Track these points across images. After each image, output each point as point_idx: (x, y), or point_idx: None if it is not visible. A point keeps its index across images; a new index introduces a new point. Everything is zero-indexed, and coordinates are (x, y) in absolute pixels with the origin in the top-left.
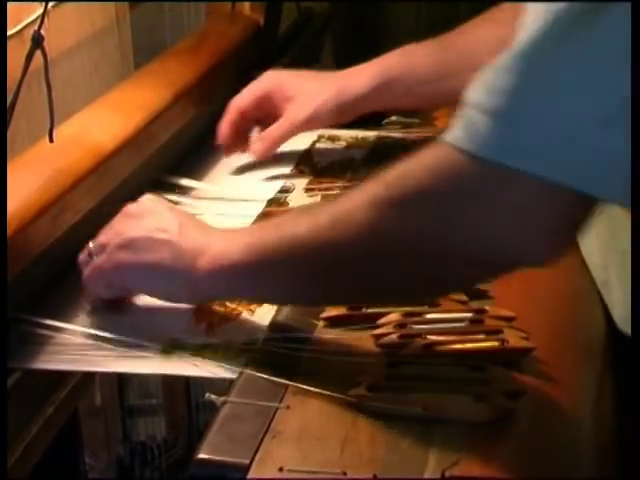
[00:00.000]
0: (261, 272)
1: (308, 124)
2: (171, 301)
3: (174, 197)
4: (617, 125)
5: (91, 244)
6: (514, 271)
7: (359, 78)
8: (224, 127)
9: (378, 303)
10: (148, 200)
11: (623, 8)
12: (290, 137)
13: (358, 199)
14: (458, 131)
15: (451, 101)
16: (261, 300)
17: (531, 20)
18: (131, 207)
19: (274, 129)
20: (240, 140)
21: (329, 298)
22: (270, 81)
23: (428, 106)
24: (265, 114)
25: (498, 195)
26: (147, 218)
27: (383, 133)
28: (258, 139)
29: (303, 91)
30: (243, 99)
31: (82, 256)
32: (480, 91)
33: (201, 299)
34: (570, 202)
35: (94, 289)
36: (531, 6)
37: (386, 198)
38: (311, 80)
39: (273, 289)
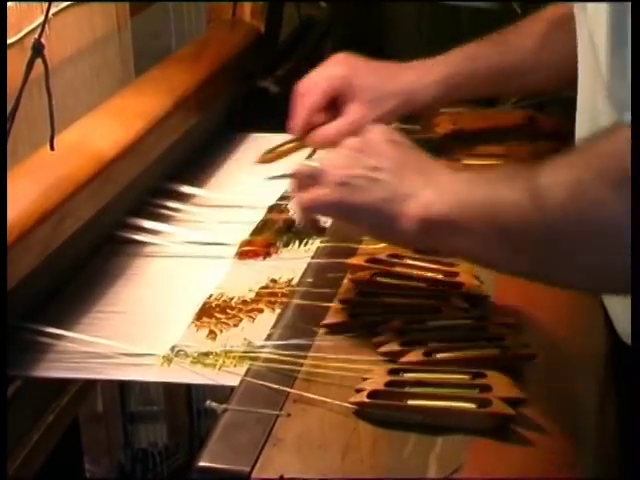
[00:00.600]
0: (466, 231)
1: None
2: (381, 241)
3: (175, 205)
4: None
5: (311, 164)
6: None
7: (426, 86)
8: (299, 123)
9: (563, 285)
10: (373, 133)
11: None
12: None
13: (559, 177)
14: None
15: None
16: (468, 258)
17: None
18: (355, 141)
19: (333, 128)
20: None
21: (522, 268)
22: (341, 75)
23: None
24: (331, 104)
25: None
26: (368, 156)
27: None
28: (317, 135)
29: (371, 91)
30: (314, 97)
31: (299, 174)
32: None
33: (408, 245)
34: None
35: (305, 213)
36: None
37: (591, 179)
38: (381, 77)
39: (477, 250)
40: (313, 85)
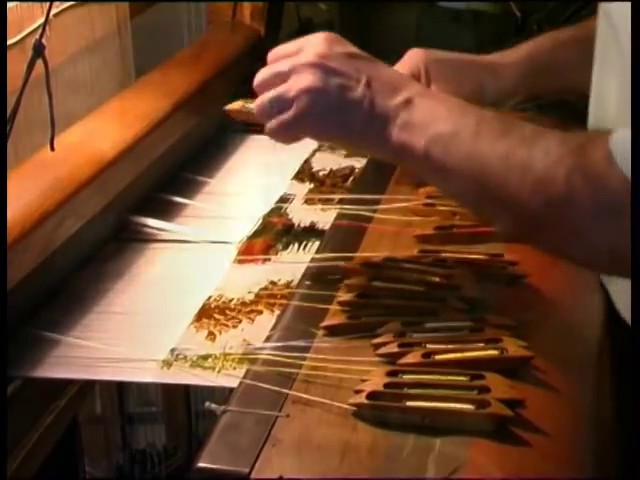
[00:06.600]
0: (440, 170)
1: None
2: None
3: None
4: None
5: (272, 93)
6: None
7: (509, 63)
8: None
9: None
10: (322, 44)
11: None
12: None
13: (552, 157)
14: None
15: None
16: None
17: None
18: (306, 55)
19: None
20: None
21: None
22: (413, 65)
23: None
24: None
25: None
26: (330, 74)
27: None
28: None
29: (443, 81)
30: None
31: (260, 103)
32: None
33: (386, 160)
34: None
35: (279, 139)
36: None
37: (582, 170)
38: (455, 69)
39: (445, 188)
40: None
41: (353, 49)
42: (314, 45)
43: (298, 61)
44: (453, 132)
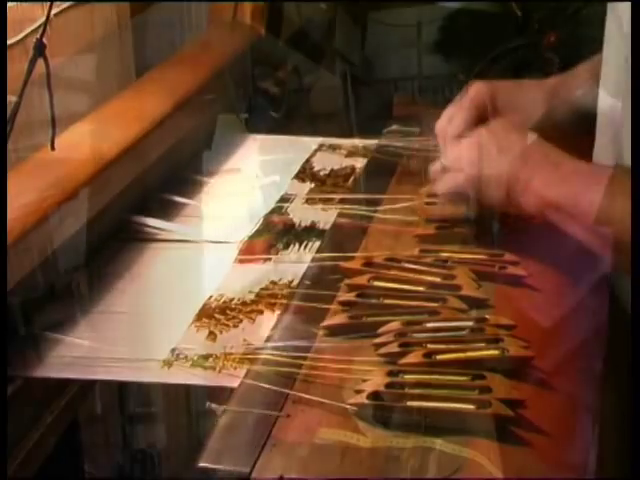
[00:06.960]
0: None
1: None
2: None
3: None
4: None
5: (444, 160)
6: None
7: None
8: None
9: None
10: (492, 127)
11: None
12: None
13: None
14: None
15: None
16: None
17: None
18: (476, 134)
19: None
20: None
21: None
22: (478, 99)
23: None
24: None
25: None
26: (494, 157)
27: (383, 142)
28: None
29: (511, 110)
30: (456, 128)
31: (436, 167)
32: None
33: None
34: None
35: (445, 196)
36: None
37: None
38: (521, 97)
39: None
40: (455, 118)
41: (516, 135)
42: (486, 127)
43: (469, 139)
44: (577, 195)
